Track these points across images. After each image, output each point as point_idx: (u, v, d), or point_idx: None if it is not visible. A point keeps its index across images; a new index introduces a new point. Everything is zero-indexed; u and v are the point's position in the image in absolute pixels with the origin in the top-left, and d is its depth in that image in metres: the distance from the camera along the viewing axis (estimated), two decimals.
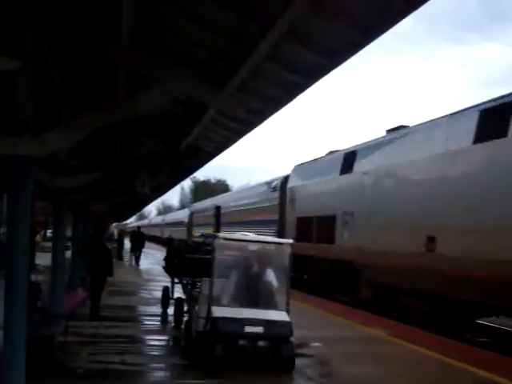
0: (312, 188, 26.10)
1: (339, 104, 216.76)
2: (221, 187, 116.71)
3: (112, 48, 7.34)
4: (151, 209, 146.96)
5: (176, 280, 16.08)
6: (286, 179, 30.09)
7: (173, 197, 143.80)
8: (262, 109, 9.04)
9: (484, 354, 12.73)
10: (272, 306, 10.46)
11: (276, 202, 30.91)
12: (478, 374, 10.48)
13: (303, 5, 5.57)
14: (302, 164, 29.37)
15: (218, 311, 10.01)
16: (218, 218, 42.83)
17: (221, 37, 7.11)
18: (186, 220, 63.82)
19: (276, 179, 32.61)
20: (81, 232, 20.47)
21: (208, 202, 55.19)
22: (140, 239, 38.59)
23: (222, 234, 10.70)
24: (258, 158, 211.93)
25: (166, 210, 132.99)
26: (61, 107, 9.23)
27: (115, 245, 40.87)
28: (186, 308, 13.78)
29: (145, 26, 7.28)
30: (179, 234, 61.81)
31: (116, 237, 45.68)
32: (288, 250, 10.69)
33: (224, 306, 10.24)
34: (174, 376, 10.08)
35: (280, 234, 28.18)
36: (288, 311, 10.32)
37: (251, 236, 11.81)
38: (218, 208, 44.10)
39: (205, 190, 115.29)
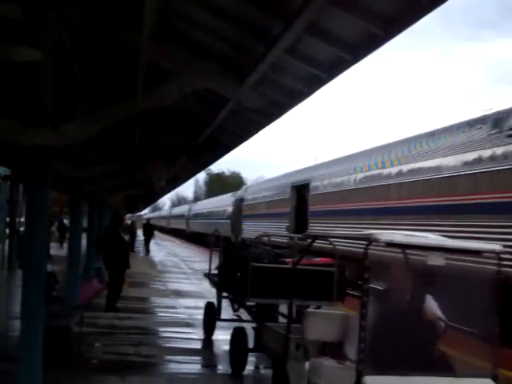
0: None
1: (351, 100, 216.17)
2: (235, 180, 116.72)
3: (133, 40, 7.32)
4: (165, 200, 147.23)
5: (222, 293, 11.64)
6: None
7: (187, 189, 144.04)
8: (283, 102, 8.99)
9: None
10: (467, 369, 6.00)
11: None
12: None
13: None
14: None
15: None
16: (302, 205, 26.29)
17: (242, 30, 7.07)
18: (230, 209, 44.94)
19: None
20: (96, 223, 20.54)
21: (274, 182, 34.78)
22: (150, 230, 41.90)
23: (384, 235, 5.70)
24: (269, 153, 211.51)
25: (180, 201, 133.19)
26: (80, 98, 9.22)
27: (127, 236, 41.45)
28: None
29: (167, 18, 7.25)
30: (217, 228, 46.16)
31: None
32: (498, 267, 5.71)
33: (382, 371, 5.37)
34: None
35: None
36: (496, 379, 5.60)
37: (434, 239, 6.22)
38: (300, 188, 27.06)
39: (219, 182, 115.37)
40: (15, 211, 24.10)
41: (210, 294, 17.52)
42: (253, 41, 7.13)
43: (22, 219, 23.14)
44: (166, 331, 13.04)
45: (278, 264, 9.42)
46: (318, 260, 9.81)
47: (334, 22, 6.28)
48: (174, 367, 10.23)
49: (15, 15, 5.90)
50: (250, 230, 34.05)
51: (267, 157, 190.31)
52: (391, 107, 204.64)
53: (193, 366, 10.36)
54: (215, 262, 12.44)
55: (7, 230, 23.94)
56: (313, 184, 25.27)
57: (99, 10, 7.07)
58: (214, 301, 12.06)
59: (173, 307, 16.07)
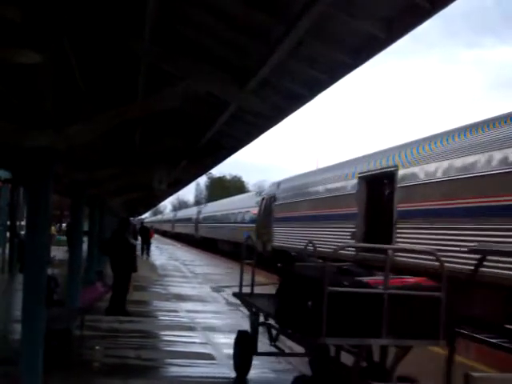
0: None
1: (354, 104, 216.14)
2: (236, 184, 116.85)
3: (134, 43, 7.32)
4: (166, 204, 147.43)
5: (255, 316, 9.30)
6: None
7: (188, 193, 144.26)
8: (284, 106, 9.00)
9: None
10: None
11: None
12: None
13: (327, 2, 5.53)
14: None
15: None
16: (378, 202, 18.75)
17: (243, 33, 7.07)
18: (254, 210, 35.65)
19: None
20: (97, 226, 20.52)
21: (326, 173, 24.67)
22: (146, 233, 42.72)
23: None
24: (271, 156, 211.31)
25: (181, 205, 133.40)
26: (82, 101, 9.23)
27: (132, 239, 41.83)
28: None
29: (168, 21, 7.25)
30: (233, 235, 39.20)
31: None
32: None
33: None
34: None
35: None
36: None
37: None
38: (374, 179, 19.10)
39: (220, 185, 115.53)
40: (16, 215, 24.09)
41: (211, 297, 17.53)
42: (254, 44, 7.13)
43: (23, 223, 23.16)
44: (168, 335, 13.00)
45: (362, 287, 6.42)
46: (411, 280, 7.02)
47: (335, 26, 6.29)
48: (175, 371, 10.19)
49: (15, 18, 5.90)
50: (287, 236, 26.74)
51: (268, 161, 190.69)
52: (392, 112, 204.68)
53: (194, 369, 10.31)
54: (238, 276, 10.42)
55: (8, 234, 23.92)
56: (403, 171, 16.87)
57: (100, 13, 7.06)
58: (242, 325, 10.36)
59: (174, 311, 16.03)
